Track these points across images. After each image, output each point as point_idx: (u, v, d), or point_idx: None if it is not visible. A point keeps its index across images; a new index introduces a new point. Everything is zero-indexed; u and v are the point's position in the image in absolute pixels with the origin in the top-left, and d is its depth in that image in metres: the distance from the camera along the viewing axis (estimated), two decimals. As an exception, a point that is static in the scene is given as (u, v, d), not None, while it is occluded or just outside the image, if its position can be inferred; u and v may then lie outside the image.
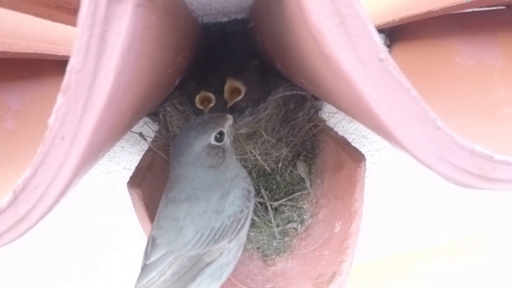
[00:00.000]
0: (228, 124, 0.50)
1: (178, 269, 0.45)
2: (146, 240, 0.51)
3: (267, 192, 0.74)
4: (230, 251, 0.49)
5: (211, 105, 0.74)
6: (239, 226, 0.49)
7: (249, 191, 0.51)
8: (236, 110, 0.75)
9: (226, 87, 0.74)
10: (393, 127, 0.29)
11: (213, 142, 0.49)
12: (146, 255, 0.47)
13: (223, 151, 0.50)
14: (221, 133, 0.49)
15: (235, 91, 0.74)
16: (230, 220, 0.48)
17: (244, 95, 0.73)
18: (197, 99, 0.74)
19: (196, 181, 0.48)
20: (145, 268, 0.46)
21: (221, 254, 0.48)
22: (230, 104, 0.73)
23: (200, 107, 0.75)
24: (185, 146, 0.48)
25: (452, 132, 0.29)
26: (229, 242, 0.48)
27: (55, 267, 0.96)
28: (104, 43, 0.26)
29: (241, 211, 0.49)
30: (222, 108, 0.75)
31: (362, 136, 0.85)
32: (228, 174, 0.50)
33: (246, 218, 0.50)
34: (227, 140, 0.50)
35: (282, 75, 0.69)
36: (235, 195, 0.49)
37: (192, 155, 0.48)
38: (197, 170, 0.48)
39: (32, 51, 0.52)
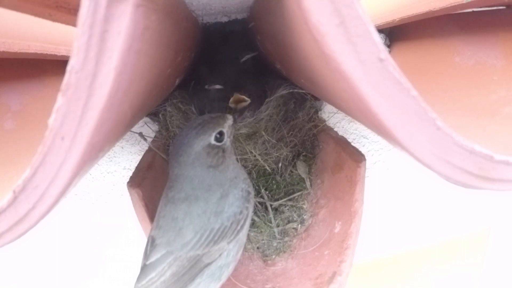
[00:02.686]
0: (228, 124, 0.51)
1: (177, 269, 0.45)
2: (146, 240, 0.51)
3: (267, 192, 0.74)
4: (229, 252, 0.49)
5: (246, 103, 0.74)
6: (239, 227, 0.49)
7: (249, 192, 0.51)
8: (236, 112, 0.75)
9: (232, 99, 0.74)
10: (393, 127, 0.29)
11: (213, 142, 0.49)
12: (146, 256, 0.47)
13: (223, 151, 0.50)
14: (221, 133, 0.49)
15: (240, 102, 0.75)
16: (230, 221, 0.48)
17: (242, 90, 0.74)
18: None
19: (196, 181, 0.48)
20: (144, 269, 0.46)
21: (220, 255, 0.48)
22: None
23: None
24: (185, 146, 0.48)
25: (452, 132, 0.29)
26: (228, 243, 0.48)
27: (55, 267, 0.96)
28: (104, 43, 0.26)
29: (241, 212, 0.49)
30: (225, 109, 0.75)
31: (362, 136, 0.85)
32: (228, 175, 0.50)
33: (245, 219, 0.50)
34: (227, 140, 0.51)
35: (282, 75, 0.69)
36: (234, 196, 0.49)
37: (192, 154, 0.48)
38: (197, 170, 0.48)
39: (32, 51, 0.52)
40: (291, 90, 0.71)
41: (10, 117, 0.61)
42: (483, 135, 0.51)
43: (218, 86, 0.75)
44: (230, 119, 0.51)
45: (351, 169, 0.60)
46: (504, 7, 0.65)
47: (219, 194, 0.49)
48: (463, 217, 1.05)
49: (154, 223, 0.50)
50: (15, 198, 0.30)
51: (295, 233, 0.70)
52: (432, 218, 1.02)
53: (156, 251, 0.46)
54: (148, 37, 0.30)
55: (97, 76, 0.27)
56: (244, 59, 0.85)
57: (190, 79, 0.79)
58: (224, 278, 0.50)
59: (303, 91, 0.72)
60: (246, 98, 0.73)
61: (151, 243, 0.48)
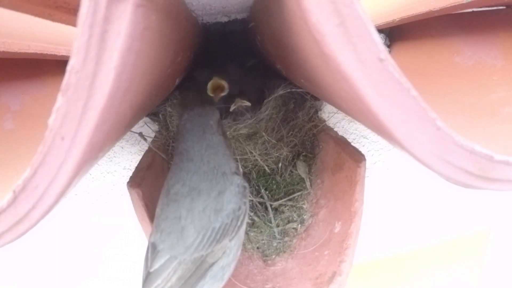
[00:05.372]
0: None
1: (183, 273, 0.45)
2: (146, 240, 0.51)
3: (267, 192, 0.74)
4: (231, 251, 0.49)
5: (223, 94, 0.76)
6: (239, 223, 0.49)
7: (245, 188, 0.52)
8: (237, 113, 0.75)
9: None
10: (393, 127, 0.29)
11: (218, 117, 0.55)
12: (148, 263, 0.47)
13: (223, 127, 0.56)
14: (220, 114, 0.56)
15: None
16: (230, 218, 0.48)
17: (242, 95, 0.74)
18: (209, 85, 0.76)
19: (220, 149, 0.52)
20: (149, 277, 0.45)
21: (224, 253, 0.48)
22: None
23: (211, 94, 0.76)
24: (211, 115, 0.54)
25: (452, 132, 0.29)
26: (230, 240, 0.48)
27: (55, 267, 0.96)
28: (104, 43, 0.26)
29: (239, 208, 0.50)
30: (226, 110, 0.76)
31: (362, 136, 0.85)
32: (230, 158, 0.54)
33: (244, 215, 0.50)
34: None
35: (282, 75, 0.69)
36: (231, 193, 0.50)
37: (216, 122, 0.54)
38: (219, 136, 0.53)
39: (32, 51, 0.52)
40: (288, 90, 0.72)
41: (10, 117, 0.61)
42: (483, 135, 0.51)
43: (246, 103, 0.75)
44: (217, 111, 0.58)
45: (351, 169, 0.60)
46: (504, 7, 0.65)
47: (218, 188, 0.49)
48: (463, 217, 1.05)
49: (153, 228, 0.50)
50: (15, 198, 0.30)
51: (295, 233, 0.70)
52: (432, 218, 1.02)
53: (159, 257, 0.46)
54: (148, 37, 0.30)
55: (97, 76, 0.27)
56: (250, 63, 0.86)
57: (186, 80, 0.79)
58: (226, 278, 0.50)
59: (301, 90, 0.72)
60: (246, 102, 0.74)
61: (152, 250, 0.47)
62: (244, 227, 0.51)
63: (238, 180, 0.51)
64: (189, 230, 0.47)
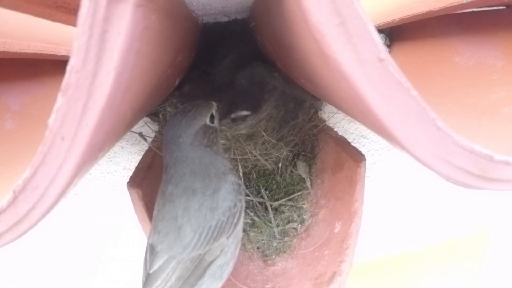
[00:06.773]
0: (214, 108, 0.55)
1: (182, 272, 0.45)
2: (146, 240, 0.51)
3: (267, 192, 0.74)
4: (228, 249, 0.49)
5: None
6: (235, 220, 0.50)
7: (239, 185, 0.52)
8: (236, 119, 0.75)
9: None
10: (393, 127, 0.29)
11: (208, 122, 0.52)
12: (147, 265, 0.47)
13: (215, 131, 0.54)
14: (212, 116, 0.53)
15: None
16: (226, 216, 0.49)
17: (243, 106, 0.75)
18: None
19: (197, 161, 0.50)
20: (149, 278, 0.46)
21: (221, 251, 0.48)
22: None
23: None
24: (184, 127, 0.51)
25: (452, 132, 0.29)
26: (227, 238, 0.49)
27: (55, 267, 0.96)
28: (104, 43, 0.26)
29: (235, 205, 0.50)
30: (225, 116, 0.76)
31: (362, 136, 0.85)
32: (220, 157, 0.53)
33: (240, 212, 0.51)
34: (216, 123, 0.55)
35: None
36: (226, 190, 0.50)
37: (192, 134, 0.51)
38: (196, 149, 0.51)
39: (32, 51, 0.52)
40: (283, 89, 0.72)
41: (10, 117, 0.61)
42: (483, 135, 0.50)
43: (245, 113, 0.75)
44: (214, 105, 0.55)
45: (351, 169, 0.60)
46: (504, 7, 0.65)
47: (213, 186, 0.49)
48: (463, 217, 1.05)
49: (151, 229, 0.50)
50: (15, 198, 0.30)
51: (295, 233, 0.70)
52: (432, 218, 1.02)
53: (158, 258, 0.46)
54: (148, 37, 0.30)
55: (97, 76, 0.27)
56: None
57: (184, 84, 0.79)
58: (225, 277, 0.50)
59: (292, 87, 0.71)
60: (245, 112, 0.75)
61: (151, 252, 0.47)
62: (241, 224, 0.51)
63: (232, 177, 0.52)
64: (185, 229, 0.47)
